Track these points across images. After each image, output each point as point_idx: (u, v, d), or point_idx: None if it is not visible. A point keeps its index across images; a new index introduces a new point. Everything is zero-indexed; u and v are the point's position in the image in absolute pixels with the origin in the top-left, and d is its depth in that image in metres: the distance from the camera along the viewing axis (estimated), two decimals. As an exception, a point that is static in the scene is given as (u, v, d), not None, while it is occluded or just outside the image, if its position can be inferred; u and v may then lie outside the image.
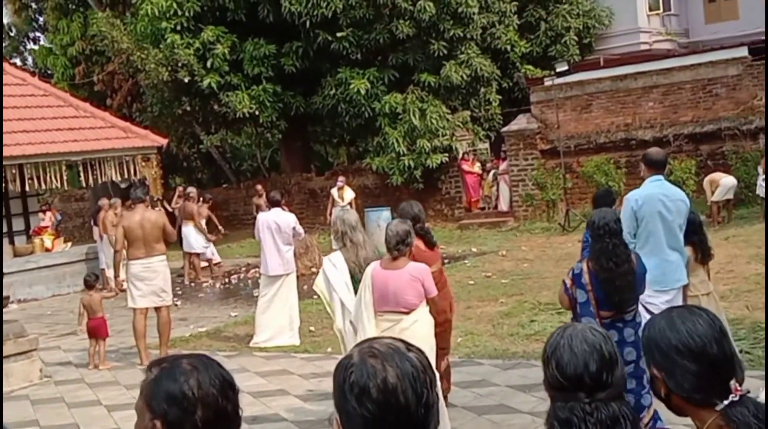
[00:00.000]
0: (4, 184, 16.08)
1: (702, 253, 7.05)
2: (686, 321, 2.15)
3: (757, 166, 16.78)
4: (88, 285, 10.65)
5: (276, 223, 10.62)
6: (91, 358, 10.21)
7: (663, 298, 6.77)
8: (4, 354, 9.13)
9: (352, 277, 6.41)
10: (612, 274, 5.33)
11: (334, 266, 6.50)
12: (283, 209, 11.09)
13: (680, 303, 6.79)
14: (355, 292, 6.30)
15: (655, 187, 6.84)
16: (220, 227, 19.38)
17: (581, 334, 2.23)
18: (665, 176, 7.02)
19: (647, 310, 6.80)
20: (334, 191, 20.09)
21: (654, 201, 6.74)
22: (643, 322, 6.02)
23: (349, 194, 20.26)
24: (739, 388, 2.10)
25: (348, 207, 19.68)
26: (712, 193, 16.55)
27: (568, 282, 5.54)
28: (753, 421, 2.04)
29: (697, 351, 2.10)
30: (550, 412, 2.21)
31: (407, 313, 5.90)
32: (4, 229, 18.40)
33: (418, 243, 6.44)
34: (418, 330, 5.86)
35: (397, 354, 1.72)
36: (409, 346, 1.77)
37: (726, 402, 2.07)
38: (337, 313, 6.45)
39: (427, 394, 1.72)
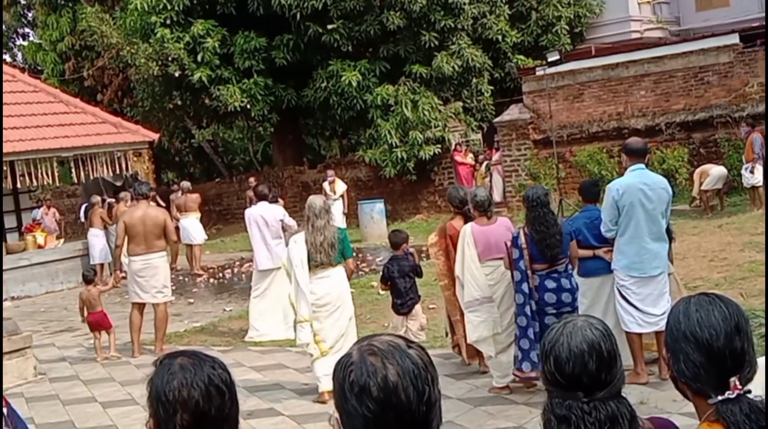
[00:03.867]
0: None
1: None
2: (700, 309, 2.13)
3: (740, 156, 16.76)
4: (87, 280, 10.67)
5: (263, 217, 10.58)
6: (97, 351, 10.27)
7: (638, 284, 6.88)
8: (-2, 352, 9.08)
9: (308, 255, 7.45)
10: (544, 235, 6.79)
11: (296, 243, 7.57)
12: (277, 202, 11.05)
13: (661, 289, 6.89)
14: (311, 268, 7.46)
15: (635, 176, 6.94)
16: None
17: (581, 331, 2.20)
18: (647, 165, 7.13)
19: (621, 295, 6.94)
20: (325, 185, 20.07)
21: (634, 190, 6.84)
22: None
23: (340, 187, 20.24)
24: (738, 385, 2.06)
25: (340, 200, 19.68)
26: (701, 183, 16.60)
27: (508, 243, 7.00)
28: (744, 420, 2.01)
29: (703, 341, 2.08)
30: (547, 407, 2.19)
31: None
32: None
33: (456, 223, 7.73)
34: None
35: (398, 351, 1.69)
36: (409, 343, 1.75)
37: (720, 397, 2.05)
38: (293, 285, 7.59)
39: (429, 391, 1.69)
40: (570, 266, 7.01)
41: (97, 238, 17.43)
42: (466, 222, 7.60)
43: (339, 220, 19.54)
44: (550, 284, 6.85)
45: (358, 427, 1.67)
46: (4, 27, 34.95)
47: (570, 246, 7.00)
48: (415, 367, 1.68)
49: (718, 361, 2.07)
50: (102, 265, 17.04)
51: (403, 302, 8.29)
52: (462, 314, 7.60)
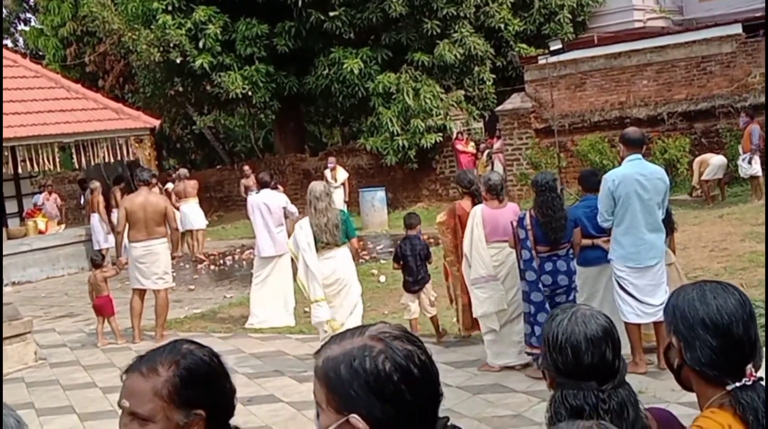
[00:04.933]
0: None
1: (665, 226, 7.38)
2: (718, 297, 2.11)
3: (738, 146, 16.72)
4: (95, 264, 10.76)
5: (266, 204, 10.64)
6: (99, 336, 10.34)
7: (635, 275, 6.89)
8: (-2, 337, 9.12)
9: (315, 238, 7.92)
10: (550, 219, 7.04)
11: (301, 228, 8.00)
12: (277, 190, 11.09)
13: (658, 280, 6.90)
14: (318, 249, 7.92)
15: (632, 167, 6.93)
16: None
17: (593, 320, 2.22)
18: (646, 155, 7.15)
19: (620, 286, 6.96)
20: (327, 172, 20.07)
21: (630, 181, 6.83)
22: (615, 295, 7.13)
23: (342, 175, 20.23)
24: (753, 373, 2.07)
25: (341, 187, 19.67)
26: (701, 173, 16.59)
27: (514, 224, 7.23)
28: (761, 407, 2.02)
29: (723, 328, 2.07)
30: (558, 399, 2.19)
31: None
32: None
33: (465, 204, 8.13)
34: None
35: (407, 334, 1.69)
36: (403, 327, 1.75)
37: (738, 384, 2.05)
38: (300, 267, 8.00)
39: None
40: (571, 251, 7.26)
41: (101, 223, 17.46)
42: (473, 202, 8.02)
43: (340, 207, 19.54)
44: (549, 266, 7.14)
45: (403, 414, 1.62)
46: (5, 12, 34.90)
47: (573, 232, 7.24)
48: (422, 345, 1.70)
49: (736, 348, 2.07)
50: (108, 249, 17.06)
51: (415, 280, 8.71)
52: (463, 289, 8.16)
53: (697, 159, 16.95)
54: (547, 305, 7.07)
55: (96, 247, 16.98)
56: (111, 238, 17.16)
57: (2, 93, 14.23)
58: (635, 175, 6.86)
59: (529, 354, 7.32)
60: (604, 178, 7.11)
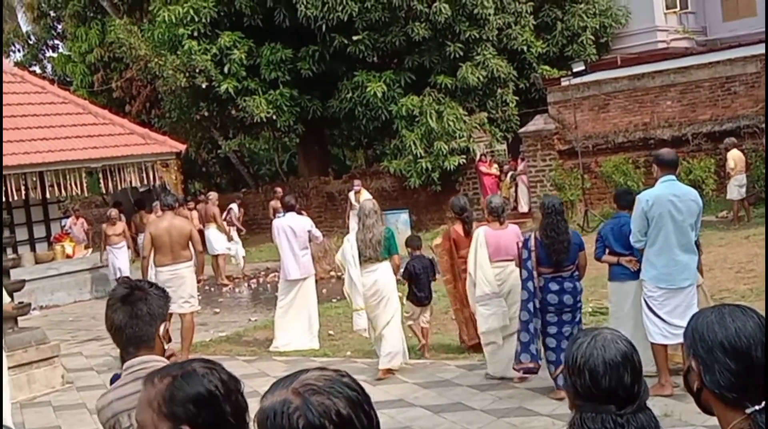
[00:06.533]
0: (24, 192, 16.20)
1: None
2: (737, 320, 2.11)
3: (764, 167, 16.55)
4: None
5: (291, 227, 10.67)
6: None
7: (667, 296, 6.87)
8: (26, 361, 9.25)
9: (359, 251, 8.60)
10: (553, 241, 7.20)
11: (348, 242, 8.79)
12: (299, 213, 11.15)
13: (689, 301, 6.87)
14: (361, 262, 8.60)
15: (665, 188, 6.93)
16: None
17: (613, 344, 2.24)
18: (677, 176, 7.15)
19: (647, 306, 6.94)
20: (351, 195, 20.14)
21: (664, 201, 6.83)
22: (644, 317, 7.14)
23: (366, 197, 20.26)
24: None
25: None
26: (734, 168, 16.26)
27: (520, 244, 7.59)
28: None
29: (742, 351, 2.07)
30: (576, 422, 2.20)
31: (512, 260, 7.89)
32: (25, 236, 18.53)
33: (458, 228, 8.98)
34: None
35: (337, 383, 1.65)
36: (339, 371, 1.72)
37: (758, 407, 2.05)
38: (346, 278, 8.79)
39: (375, 413, 1.67)
40: (576, 273, 7.41)
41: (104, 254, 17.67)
42: (464, 227, 8.93)
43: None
44: (554, 287, 7.32)
45: None
46: (34, 39, 35.44)
47: (579, 256, 7.39)
48: (356, 393, 1.65)
49: (756, 371, 2.06)
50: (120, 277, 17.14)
51: (426, 296, 9.50)
52: (461, 304, 9.05)
53: (731, 154, 16.49)
54: (530, 326, 7.37)
55: (111, 277, 17.02)
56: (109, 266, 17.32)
57: (2, 112, 14.33)
58: (669, 195, 6.86)
59: (515, 369, 7.67)
60: (637, 198, 7.15)
